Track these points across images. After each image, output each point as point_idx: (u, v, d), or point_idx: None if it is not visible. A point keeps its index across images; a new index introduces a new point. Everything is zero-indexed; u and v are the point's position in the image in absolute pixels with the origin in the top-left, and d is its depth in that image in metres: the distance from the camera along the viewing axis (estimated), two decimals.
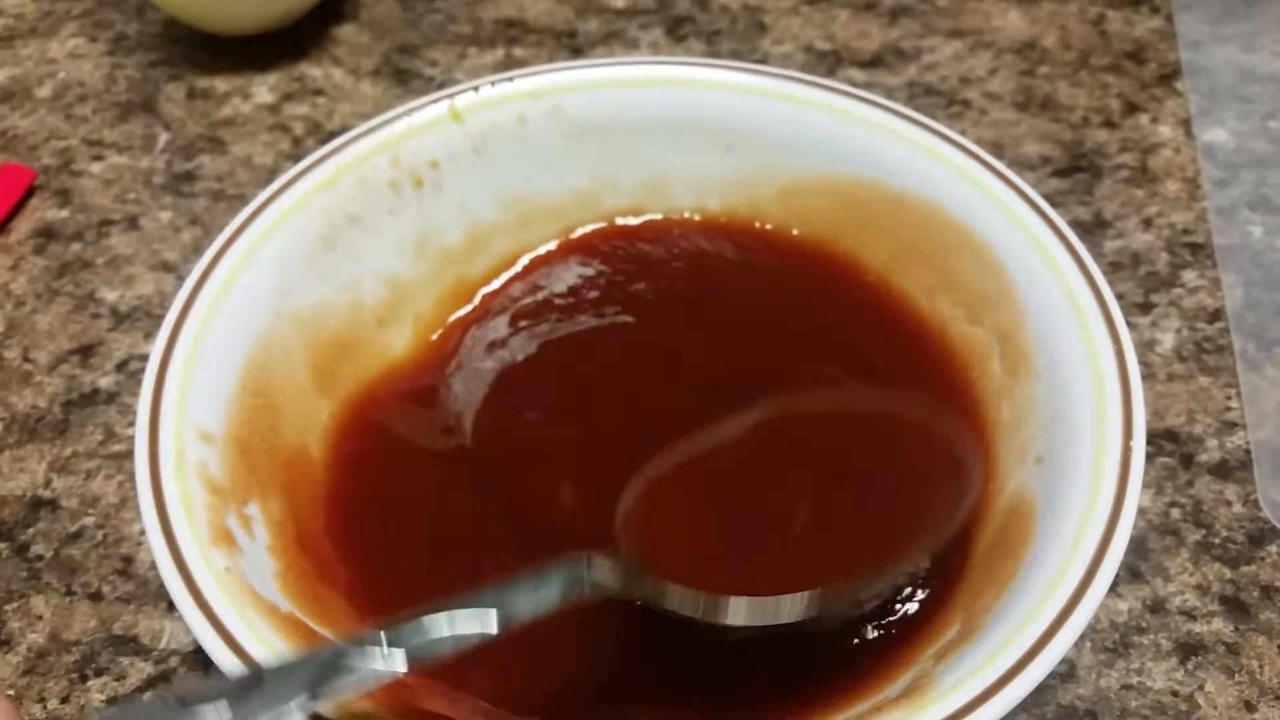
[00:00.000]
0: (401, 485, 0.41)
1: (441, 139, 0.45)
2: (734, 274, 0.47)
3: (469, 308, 0.46)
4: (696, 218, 0.48)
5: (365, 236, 0.44)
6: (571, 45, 0.63)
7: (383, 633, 0.30)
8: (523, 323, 0.46)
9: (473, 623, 0.31)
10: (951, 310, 0.43)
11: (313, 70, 0.62)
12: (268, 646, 0.31)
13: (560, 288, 0.47)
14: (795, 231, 0.47)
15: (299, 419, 0.41)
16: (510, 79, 0.46)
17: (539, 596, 0.33)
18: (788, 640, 0.36)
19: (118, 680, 0.41)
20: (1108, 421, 0.35)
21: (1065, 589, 0.31)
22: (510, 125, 0.46)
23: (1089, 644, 0.40)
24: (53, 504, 0.46)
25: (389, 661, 0.30)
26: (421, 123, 0.45)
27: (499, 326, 0.46)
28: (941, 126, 0.44)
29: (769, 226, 0.47)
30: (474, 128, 0.45)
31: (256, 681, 0.29)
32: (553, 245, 0.48)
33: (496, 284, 0.47)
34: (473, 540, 0.40)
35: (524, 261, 0.47)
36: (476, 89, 0.45)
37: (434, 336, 0.45)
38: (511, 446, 0.43)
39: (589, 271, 0.47)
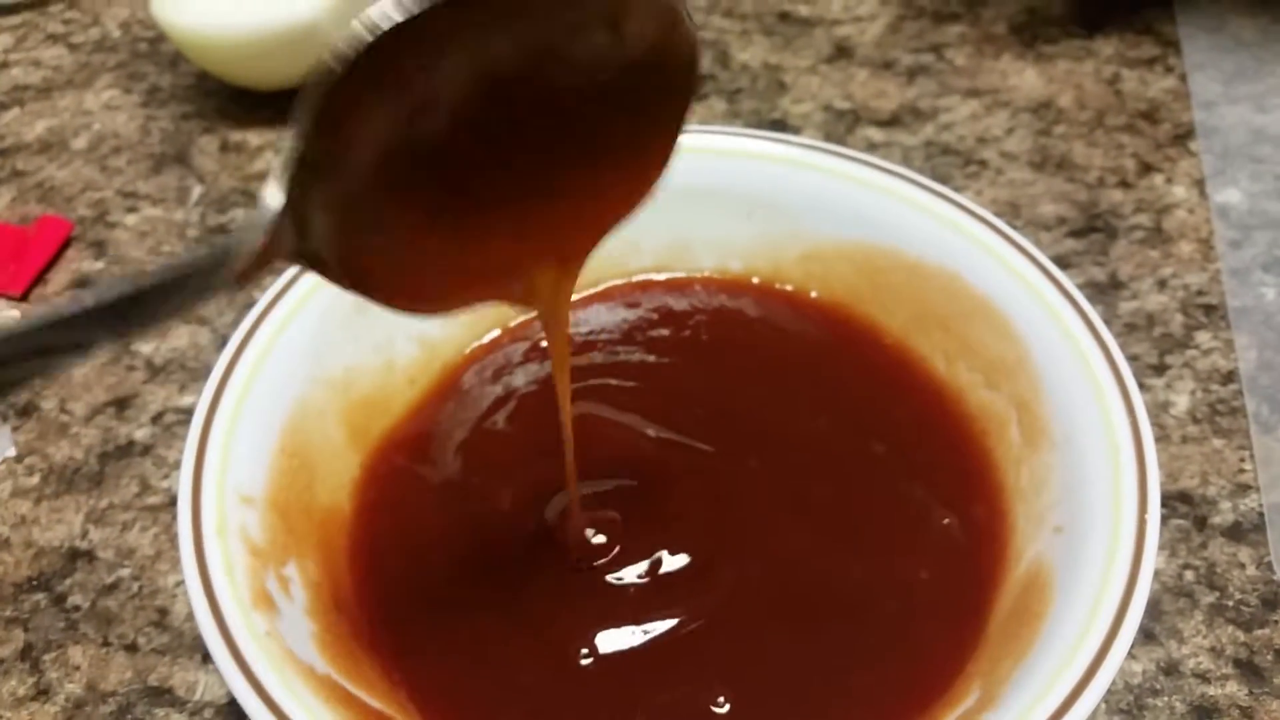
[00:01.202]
0: (412, 528, 0.42)
1: None
2: (753, 327, 0.48)
3: (486, 339, 0.48)
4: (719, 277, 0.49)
5: None
6: None
7: None
8: (533, 354, 0.47)
9: None
10: (970, 376, 0.44)
11: None
12: (308, 710, 0.32)
13: (581, 329, 0.48)
14: (814, 294, 0.48)
15: (332, 477, 0.42)
16: None
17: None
18: None
19: None
20: (1123, 493, 0.36)
21: (1082, 659, 0.32)
22: None
23: (1103, 705, 0.41)
24: (89, 555, 0.47)
25: None
26: None
27: (512, 355, 0.47)
28: (959, 196, 0.45)
29: (789, 288, 0.48)
30: None
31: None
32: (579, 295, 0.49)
33: (517, 321, 0.48)
34: (464, 577, 0.41)
35: None
36: None
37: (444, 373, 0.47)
38: (491, 473, 0.44)
39: (613, 317, 0.48)
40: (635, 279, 0.49)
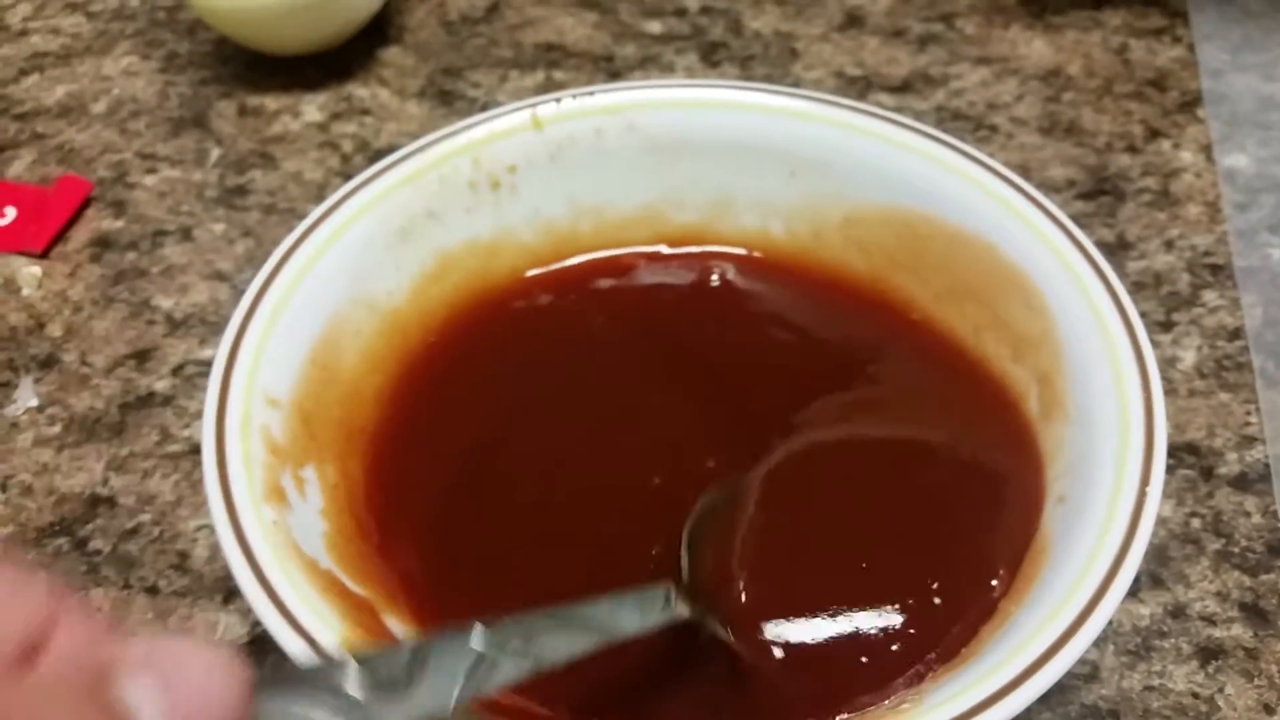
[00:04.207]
0: (437, 447, 0.43)
1: (521, 145, 0.47)
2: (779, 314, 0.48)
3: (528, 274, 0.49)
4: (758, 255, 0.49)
5: (440, 231, 0.46)
6: (609, 69, 0.65)
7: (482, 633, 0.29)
8: (571, 296, 0.48)
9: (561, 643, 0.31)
10: (996, 348, 0.43)
11: (360, 90, 0.64)
12: (301, 594, 0.33)
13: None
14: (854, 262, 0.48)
15: (360, 393, 0.43)
16: (591, 93, 0.48)
17: (621, 621, 0.33)
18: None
19: None
20: (1127, 467, 0.36)
21: (1057, 627, 0.32)
22: (587, 137, 0.47)
23: (1111, 646, 0.42)
24: (111, 501, 0.47)
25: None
26: (504, 129, 0.47)
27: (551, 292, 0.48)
28: (1000, 166, 0.44)
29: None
30: (552, 136, 0.47)
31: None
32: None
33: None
34: (485, 496, 0.41)
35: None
36: (559, 100, 0.47)
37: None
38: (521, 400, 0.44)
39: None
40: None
